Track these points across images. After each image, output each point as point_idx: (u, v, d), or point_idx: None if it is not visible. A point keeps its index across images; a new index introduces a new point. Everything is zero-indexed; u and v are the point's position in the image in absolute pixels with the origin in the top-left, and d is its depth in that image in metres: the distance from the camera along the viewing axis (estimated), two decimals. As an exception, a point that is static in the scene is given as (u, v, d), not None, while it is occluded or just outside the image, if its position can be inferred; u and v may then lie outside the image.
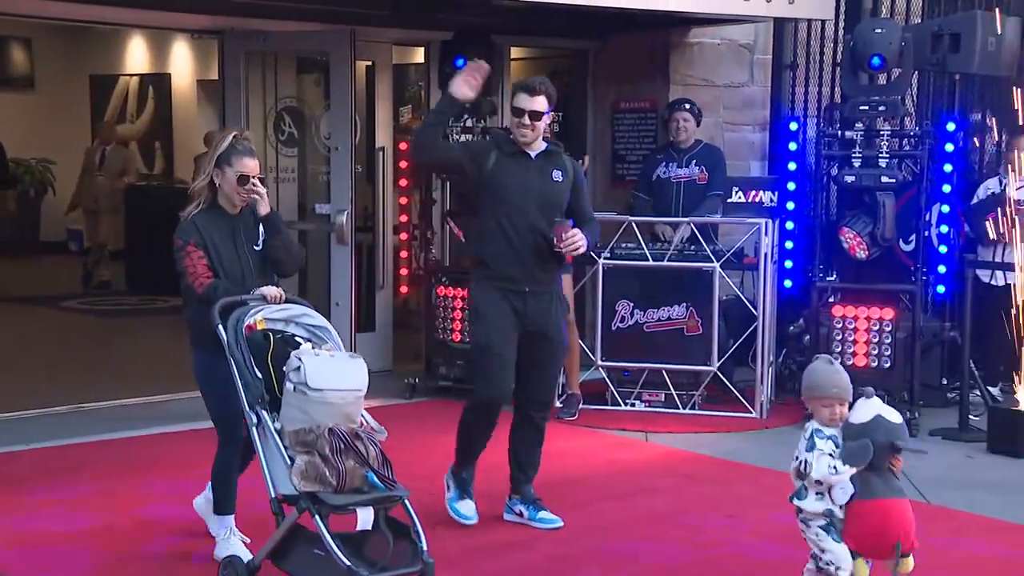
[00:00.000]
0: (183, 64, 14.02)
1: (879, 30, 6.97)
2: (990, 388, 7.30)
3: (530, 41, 9.10)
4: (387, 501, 4.06)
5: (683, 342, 7.29)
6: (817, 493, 3.90)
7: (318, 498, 3.96)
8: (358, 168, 8.13)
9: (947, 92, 7.64)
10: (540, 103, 5.01)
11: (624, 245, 7.43)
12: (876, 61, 6.92)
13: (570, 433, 6.82)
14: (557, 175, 5.11)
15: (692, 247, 7.41)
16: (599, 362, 7.43)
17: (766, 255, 7.33)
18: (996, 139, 7.87)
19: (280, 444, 4.08)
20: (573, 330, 7.25)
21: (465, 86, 4.98)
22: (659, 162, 7.92)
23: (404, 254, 8.12)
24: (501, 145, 5.12)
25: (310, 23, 7.83)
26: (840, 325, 7.11)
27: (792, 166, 7.58)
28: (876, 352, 7.04)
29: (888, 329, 7.03)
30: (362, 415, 4.22)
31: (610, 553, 4.91)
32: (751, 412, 7.23)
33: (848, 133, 7.18)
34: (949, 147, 7.10)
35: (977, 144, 7.88)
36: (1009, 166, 7.16)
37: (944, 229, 7.22)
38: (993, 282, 7.31)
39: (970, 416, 6.91)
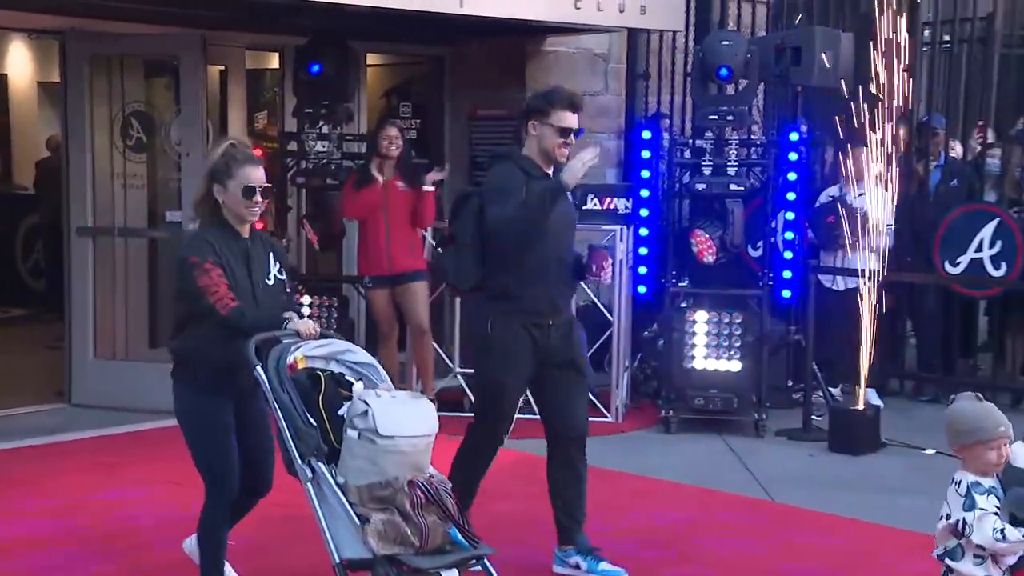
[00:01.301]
0: (21, 65, 13.58)
1: (726, 42, 7.30)
2: (831, 389, 7.69)
3: (386, 47, 9.17)
4: (473, 561, 3.74)
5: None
6: (976, 556, 3.44)
7: (399, 560, 3.59)
8: (211, 174, 8.06)
9: (791, 103, 8.00)
10: (577, 119, 4.72)
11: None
12: (724, 72, 7.23)
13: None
14: (570, 195, 4.78)
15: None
16: (457, 369, 7.55)
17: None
18: (835, 150, 8.28)
19: (345, 501, 3.65)
20: (428, 337, 7.37)
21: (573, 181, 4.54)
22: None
23: (259, 261, 8.08)
24: (528, 170, 4.67)
25: (159, 26, 7.74)
26: (692, 329, 7.39)
27: (646, 173, 7.85)
28: (726, 355, 7.34)
29: (738, 333, 7.34)
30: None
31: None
32: (607, 416, 7.43)
33: (698, 141, 7.49)
34: (793, 156, 7.46)
35: (831, 157, 8.26)
36: (847, 175, 7.55)
37: (789, 235, 7.58)
38: (834, 287, 7.70)
39: (813, 416, 7.27)
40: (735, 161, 7.47)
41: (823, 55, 7.11)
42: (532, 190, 4.54)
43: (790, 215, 7.55)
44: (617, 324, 7.58)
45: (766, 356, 7.43)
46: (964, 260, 7.82)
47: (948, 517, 3.46)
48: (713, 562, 5.04)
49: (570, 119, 4.62)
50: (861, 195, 7.46)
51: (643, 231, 7.81)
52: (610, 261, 4.78)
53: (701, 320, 7.36)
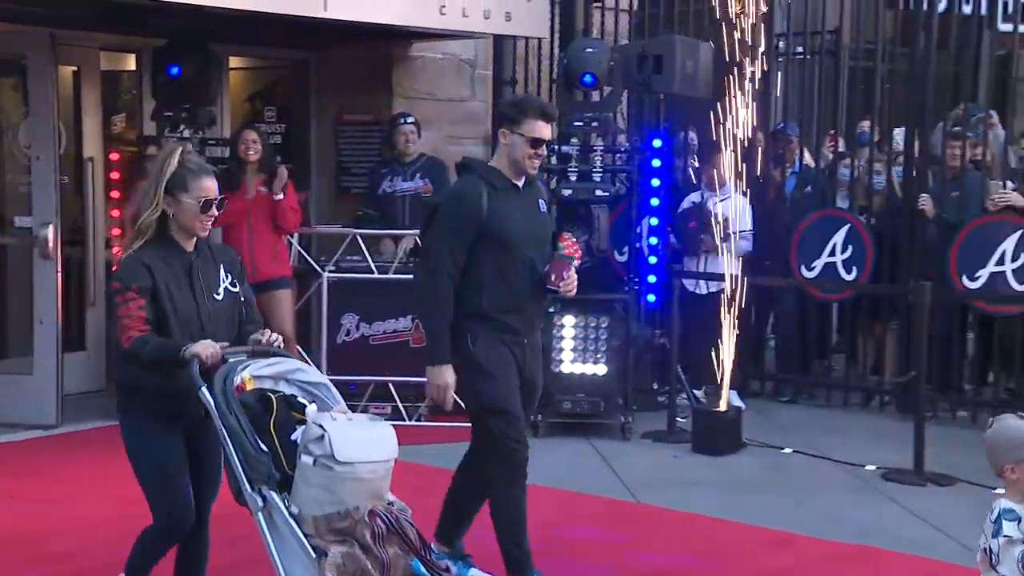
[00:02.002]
0: None
1: (590, 49, 7.39)
2: (695, 391, 7.86)
3: (249, 50, 9.03)
4: None
5: (409, 354, 7.41)
6: None
7: None
8: (64, 179, 7.79)
9: (654, 110, 8.15)
10: (551, 130, 4.58)
11: (349, 258, 7.52)
12: (588, 79, 7.33)
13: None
14: (543, 205, 4.63)
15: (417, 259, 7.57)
16: (324, 376, 7.45)
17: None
18: (697, 156, 8.48)
19: (299, 532, 3.44)
20: (293, 345, 7.27)
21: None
22: (384, 176, 8.07)
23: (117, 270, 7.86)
24: (492, 180, 4.45)
25: (5, 23, 7.45)
26: (559, 334, 7.46)
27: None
28: (593, 360, 7.44)
29: (604, 337, 7.44)
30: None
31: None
32: (476, 421, 7.45)
33: (565, 148, 7.57)
34: (656, 162, 7.61)
35: (696, 162, 8.44)
36: (708, 182, 7.74)
37: (654, 241, 7.72)
38: (698, 291, 7.88)
39: (677, 419, 7.41)
40: (600, 167, 7.57)
41: (685, 63, 7.28)
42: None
43: (654, 220, 7.70)
44: (485, 329, 7.59)
45: (632, 360, 7.55)
46: (819, 264, 8.10)
47: (984, 544, 3.37)
48: (577, 563, 5.08)
49: (542, 129, 4.44)
50: (722, 200, 7.65)
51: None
52: (573, 271, 4.49)
53: (568, 325, 7.44)
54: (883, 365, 8.30)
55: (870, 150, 8.29)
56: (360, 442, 3.50)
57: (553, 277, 4.44)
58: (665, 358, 7.85)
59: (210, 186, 3.83)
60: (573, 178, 7.52)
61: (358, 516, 3.45)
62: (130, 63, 8.72)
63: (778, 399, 8.48)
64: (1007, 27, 8.64)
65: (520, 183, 4.51)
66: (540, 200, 4.62)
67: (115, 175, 7.87)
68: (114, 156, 8.00)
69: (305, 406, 3.70)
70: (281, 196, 7.19)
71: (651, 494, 6.09)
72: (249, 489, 3.53)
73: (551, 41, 8.71)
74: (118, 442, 3.90)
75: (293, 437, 3.56)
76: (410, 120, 8.05)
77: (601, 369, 7.41)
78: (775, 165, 8.49)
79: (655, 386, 8.09)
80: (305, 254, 7.70)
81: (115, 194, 7.95)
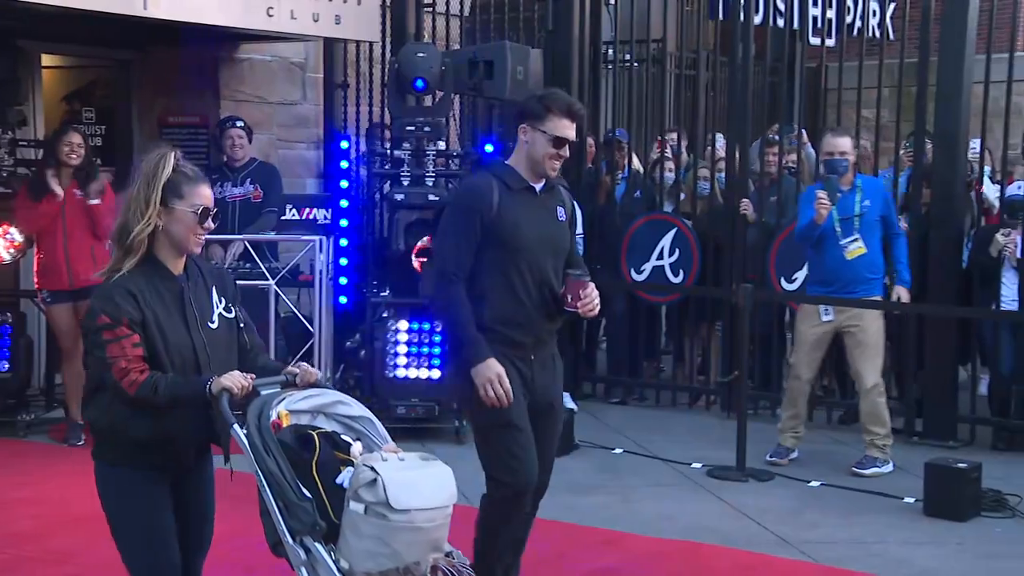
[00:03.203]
0: None
1: (421, 54, 7.41)
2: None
3: (65, 48, 8.69)
4: None
5: (238, 361, 7.28)
6: None
7: None
8: None
9: (486, 115, 8.23)
10: (575, 130, 4.19)
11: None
12: (419, 83, 7.34)
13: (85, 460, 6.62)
14: (561, 214, 4.25)
15: (247, 264, 7.45)
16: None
17: (321, 272, 7.52)
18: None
19: None
20: (78, 357, 7.02)
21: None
22: (212, 181, 7.85)
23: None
24: (506, 179, 4.10)
25: None
26: (394, 339, 7.43)
27: (344, 184, 7.84)
28: (427, 364, 7.42)
29: (438, 342, 7.41)
30: None
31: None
32: (309, 428, 7.35)
33: (397, 152, 7.56)
34: (488, 167, 7.67)
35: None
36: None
37: (486, 244, 7.77)
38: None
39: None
40: (433, 171, 7.58)
41: (515, 69, 7.36)
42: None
43: (486, 225, 7.74)
44: (319, 335, 7.52)
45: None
46: (648, 267, 8.30)
47: None
48: None
49: (567, 128, 4.08)
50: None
51: (343, 241, 7.79)
52: (591, 289, 4.11)
53: (403, 330, 7.42)
54: (709, 366, 8.56)
55: (694, 157, 8.56)
56: (416, 486, 3.09)
57: (570, 298, 4.08)
58: (499, 361, 7.89)
59: (207, 193, 3.39)
60: (405, 183, 7.51)
61: (419, 573, 3.10)
62: (-66, 61, 8.29)
63: (609, 400, 8.65)
64: (817, 40, 9.08)
65: (538, 186, 4.15)
66: (559, 208, 4.24)
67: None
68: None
69: (349, 444, 3.30)
70: (96, 201, 6.92)
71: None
72: (290, 540, 3.12)
73: (383, 45, 8.69)
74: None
75: (338, 480, 3.17)
76: (239, 124, 7.90)
77: (435, 374, 7.41)
78: (607, 170, 8.66)
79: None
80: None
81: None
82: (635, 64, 8.89)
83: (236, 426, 3.19)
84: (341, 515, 3.13)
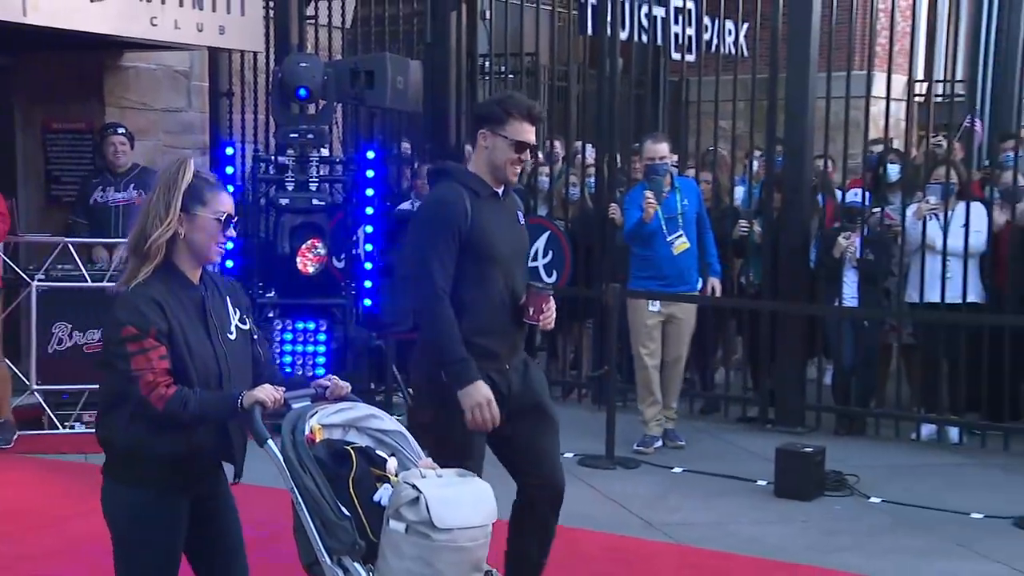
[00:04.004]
0: None
1: (304, 64, 7.39)
2: (411, 390, 7.96)
3: (-58, 54, 8.42)
4: None
5: (126, 362, 7.17)
6: None
7: None
8: None
9: (368, 123, 8.23)
10: (535, 134, 3.97)
11: (60, 267, 7.16)
12: (302, 92, 7.32)
13: (5, 462, 6.43)
14: (520, 217, 4.07)
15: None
16: (34, 386, 7.07)
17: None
18: (412, 167, 8.63)
19: None
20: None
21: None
22: (95, 186, 7.76)
23: None
24: (473, 187, 3.86)
25: None
26: (279, 338, 7.40)
27: (229, 188, 7.74)
28: (312, 362, 7.41)
29: (323, 340, 7.43)
30: None
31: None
32: (196, 426, 7.26)
33: (281, 158, 7.52)
34: (370, 173, 7.68)
35: (409, 170, 8.56)
36: (419, 191, 7.89)
37: (369, 248, 7.78)
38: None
39: (395, 417, 7.46)
40: (316, 177, 7.56)
41: (396, 79, 7.39)
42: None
43: (369, 228, 7.76)
44: (205, 336, 7.41)
45: (351, 361, 7.58)
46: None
47: None
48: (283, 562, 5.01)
49: (528, 132, 3.87)
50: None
51: (228, 245, 7.68)
52: (552, 303, 3.94)
53: (288, 329, 7.39)
54: (580, 361, 8.70)
55: (566, 163, 8.71)
56: (458, 504, 2.89)
57: (532, 311, 3.89)
58: (382, 359, 7.93)
59: (228, 201, 3.17)
60: (290, 188, 7.48)
61: None
62: None
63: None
64: (679, 56, 9.33)
65: (500, 192, 3.94)
66: (518, 212, 4.07)
67: None
68: None
69: (384, 460, 3.08)
70: None
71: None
72: (328, 560, 2.90)
73: (267, 55, 8.62)
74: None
75: (376, 498, 2.95)
76: (120, 131, 7.76)
77: (320, 372, 7.39)
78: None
79: (372, 386, 8.14)
80: (10, 263, 7.24)
81: None
82: (510, 76, 9.00)
83: (270, 442, 2.97)
84: (379, 534, 2.92)
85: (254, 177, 7.80)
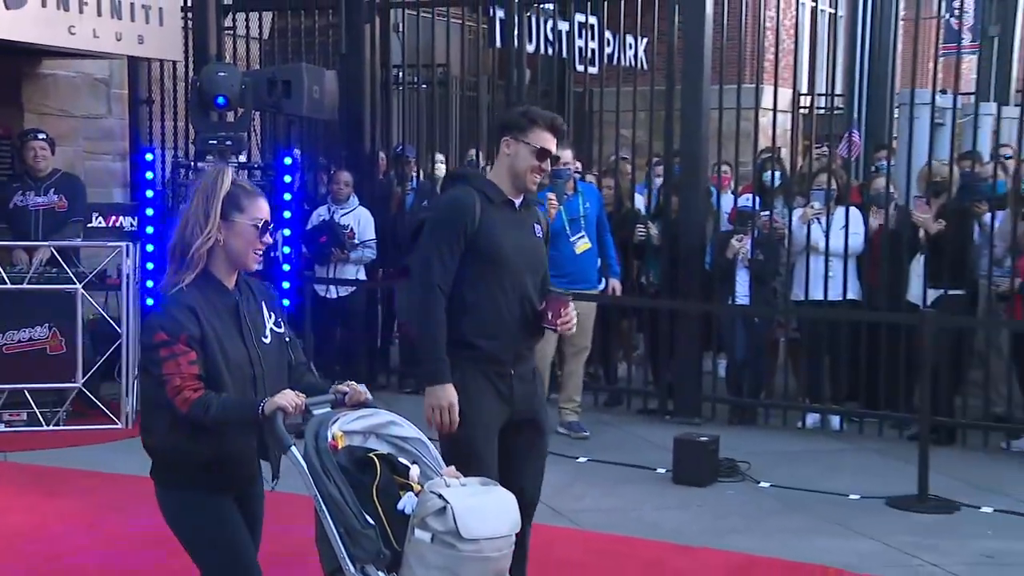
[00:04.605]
0: None
1: (222, 73, 7.29)
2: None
3: None
4: None
5: (46, 361, 7.03)
6: None
7: None
8: None
9: (285, 131, 8.16)
10: (556, 146, 3.84)
11: (-22, 270, 6.98)
12: (221, 100, 7.23)
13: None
14: (538, 231, 3.94)
15: (54, 270, 7.16)
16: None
17: (128, 276, 7.29)
18: (325, 172, 8.57)
19: None
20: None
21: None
22: (16, 191, 7.57)
23: None
24: (487, 192, 3.76)
25: None
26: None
27: (149, 193, 7.62)
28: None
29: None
30: None
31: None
32: (117, 423, 7.14)
33: (200, 164, 7.39)
34: (288, 178, 7.60)
35: (326, 176, 8.49)
36: (334, 196, 7.84)
37: (287, 250, 7.70)
38: (328, 295, 7.94)
39: (313, 412, 7.41)
40: (235, 182, 7.45)
41: (312, 88, 7.33)
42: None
43: (287, 231, 7.68)
44: (126, 336, 7.28)
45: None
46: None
47: None
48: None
49: (550, 141, 3.78)
50: (347, 213, 7.78)
51: (149, 247, 7.57)
52: (571, 308, 3.83)
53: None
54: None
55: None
56: (484, 515, 2.78)
57: (551, 315, 3.81)
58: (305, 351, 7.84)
59: (266, 207, 3.11)
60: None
61: None
62: None
63: (403, 390, 8.70)
64: (583, 68, 9.42)
65: (517, 201, 3.84)
66: (536, 225, 3.93)
67: None
68: None
69: (407, 467, 2.97)
70: None
71: (286, 484, 6.06)
72: (352, 569, 2.79)
73: (186, 64, 8.48)
74: None
75: (400, 507, 2.85)
76: (40, 136, 7.57)
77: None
78: (398, 182, 8.71)
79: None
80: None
81: None
82: (423, 86, 8.99)
83: (293, 450, 2.87)
84: (402, 542, 2.82)
85: (174, 182, 7.67)
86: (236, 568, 3.05)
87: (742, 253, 7.53)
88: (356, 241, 7.62)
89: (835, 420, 7.48)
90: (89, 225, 7.77)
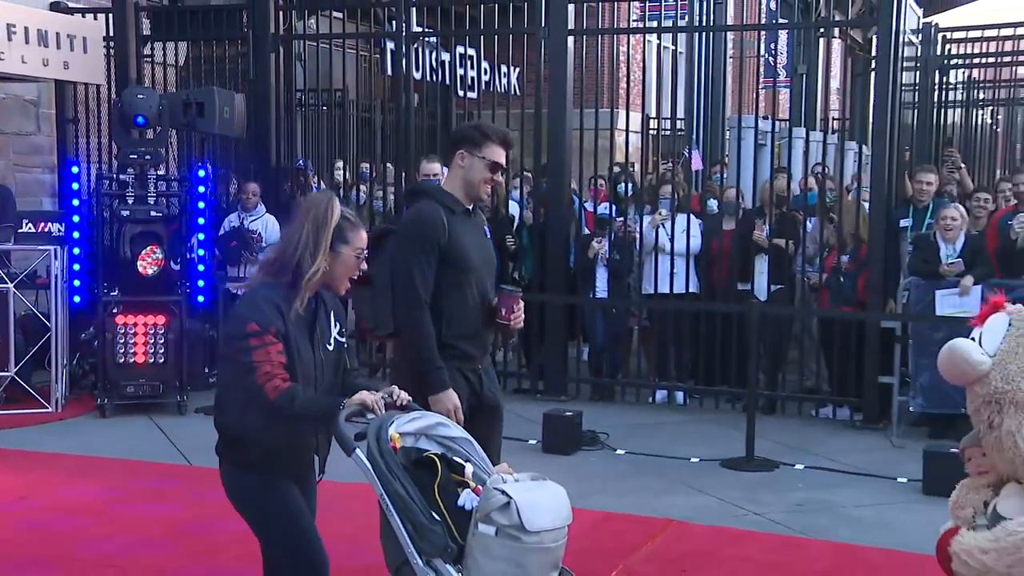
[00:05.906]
0: None
1: (141, 96, 7.34)
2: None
3: None
4: None
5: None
6: None
7: None
8: None
9: (199, 147, 8.20)
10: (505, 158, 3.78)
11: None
12: (140, 120, 7.28)
13: None
14: (488, 232, 3.92)
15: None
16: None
17: (57, 276, 7.28)
18: (235, 183, 8.64)
19: None
20: None
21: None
22: (-52, 200, 7.43)
23: None
24: (448, 204, 3.66)
25: None
26: (123, 331, 7.31)
27: (76, 202, 7.61)
28: (153, 351, 7.35)
29: (161, 332, 7.38)
30: None
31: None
32: (47, 407, 7.13)
33: (122, 176, 7.43)
34: (201, 189, 7.67)
35: (235, 187, 8.54)
36: (241, 205, 7.95)
37: (201, 252, 7.76)
38: (239, 292, 7.98)
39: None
40: (154, 192, 7.51)
41: (223, 109, 7.42)
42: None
43: (201, 236, 7.74)
44: (55, 329, 7.28)
45: (187, 349, 7.55)
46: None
47: None
48: (134, 524, 5.00)
49: (501, 155, 3.71)
50: (255, 220, 7.90)
51: (76, 251, 7.57)
52: (521, 305, 3.73)
53: (131, 323, 7.31)
54: (384, 346, 8.86)
55: (371, 182, 8.91)
56: (543, 508, 2.70)
57: (503, 311, 3.68)
58: (214, 346, 7.91)
59: (365, 237, 3.05)
60: (131, 201, 7.40)
61: None
62: None
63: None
64: (463, 93, 9.65)
65: (470, 207, 3.77)
66: (485, 227, 3.93)
67: None
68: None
69: (462, 466, 2.89)
70: None
71: (204, 459, 6.13)
72: (420, 563, 2.71)
73: (108, 87, 8.45)
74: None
75: (460, 503, 2.78)
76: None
77: (160, 358, 7.34)
78: (301, 192, 8.81)
79: (207, 369, 8.12)
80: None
81: None
82: (323, 108, 9.11)
83: (358, 450, 2.78)
84: (464, 537, 2.74)
85: (98, 192, 7.66)
86: (306, 538, 2.97)
87: (601, 253, 7.84)
88: (264, 244, 7.72)
89: (680, 396, 7.80)
90: (20, 231, 7.71)
